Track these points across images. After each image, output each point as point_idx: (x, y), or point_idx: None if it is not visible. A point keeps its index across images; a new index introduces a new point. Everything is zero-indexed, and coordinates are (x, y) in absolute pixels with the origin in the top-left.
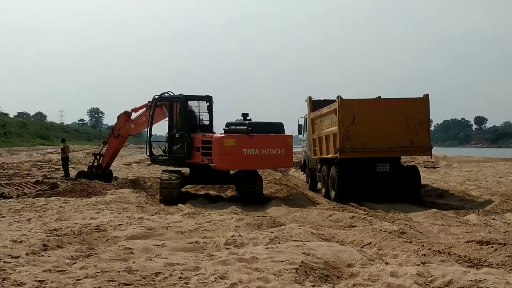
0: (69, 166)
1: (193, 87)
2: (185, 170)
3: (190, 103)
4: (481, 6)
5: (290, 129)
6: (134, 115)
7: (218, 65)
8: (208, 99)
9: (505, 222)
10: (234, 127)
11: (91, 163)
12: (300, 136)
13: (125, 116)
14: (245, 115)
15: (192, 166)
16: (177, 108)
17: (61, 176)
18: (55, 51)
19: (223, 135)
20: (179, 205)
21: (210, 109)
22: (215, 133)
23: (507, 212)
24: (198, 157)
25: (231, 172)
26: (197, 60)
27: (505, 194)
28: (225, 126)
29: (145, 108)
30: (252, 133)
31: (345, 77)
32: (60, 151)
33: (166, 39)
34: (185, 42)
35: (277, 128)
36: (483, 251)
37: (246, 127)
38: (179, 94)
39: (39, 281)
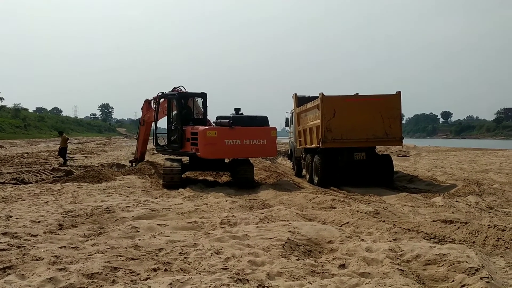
0: (73, 155)
1: (201, 86)
2: (186, 158)
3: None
4: (453, 15)
5: (279, 122)
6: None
7: (221, 66)
8: (202, 95)
9: (466, 204)
10: (220, 120)
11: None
12: (287, 128)
13: (146, 104)
14: (237, 110)
15: (185, 154)
16: (174, 104)
17: (59, 165)
18: (71, 54)
19: (206, 127)
20: (180, 189)
21: (204, 105)
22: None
23: (468, 195)
24: (188, 147)
25: (226, 160)
26: (200, 63)
27: (467, 179)
28: (215, 119)
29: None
30: (234, 126)
31: (328, 78)
32: (60, 142)
33: (174, 44)
34: (191, 47)
35: (261, 121)
36: (447, 229)
37: (228, 120)
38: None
39: (55, 256)
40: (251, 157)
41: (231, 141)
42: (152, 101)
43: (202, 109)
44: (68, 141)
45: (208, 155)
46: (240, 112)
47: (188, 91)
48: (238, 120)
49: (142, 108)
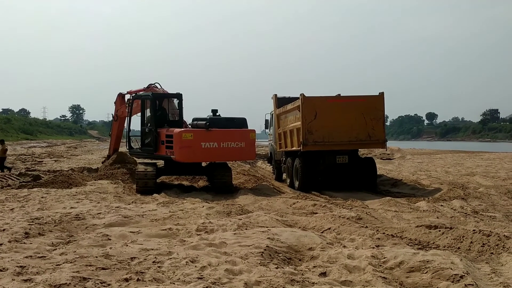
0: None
1: (177, 86)
2: (160, 162)
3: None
4: (441, 12)
5: (258, 124)
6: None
7: (196, 65)
8: (178, 96)
9: (452, 208)
10: (196, 122)
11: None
12: (267, 130)
13: (120, 98)
14: (214, 111)
15: (160, 158)
16: (147, 105)
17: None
18: (40, 53)
19: (181, 129)
20: (154, 194)
21: (180, 106)
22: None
23: (453, 199)
24: (163, 150)
25: (203, 164)
26: (176, 62)
27: (452, 183)
28: (192, 121)
29: (138, 91)
30: (211, 128)
31: (308, 77)
32: None
33: (148, 43)
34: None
35: (239, 123)
36: (432, 234)
37: (205, 122)
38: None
39: (20, 266)
40: (229, 161)
41: (208, 144)
42: (126, 101)
43: (178, 111)
44: (36, 146)
45: (184, 159)
46: (217, 114)
47: (164, 90)
48: (215, 122)
49: (115, 103)
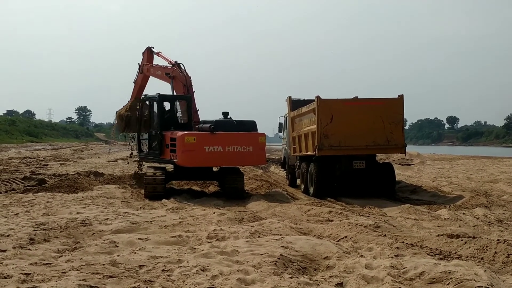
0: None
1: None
2: (170, 166)
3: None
4: (460, 11)
5: (271, 127)
6: (155, 61)
7: (209, 66)
8: (186, 98)
9: (474, 217)
10: (202, 125)
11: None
12: (281, 134)
13: (148, 53)
14: (225, 114)
15: (165, 162)
16: (154, 107)
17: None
18: (45, 53)
19: (184, 132)
20: (163, 200)
21: (189, 108)
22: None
23: (476, 207)
24: (168, 153)
25: (214, 168)
26: (187, 62)
27: (474, 190)
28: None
29: (165, 66)
30: (216, 131)
31: (324, 78)
32: None
33: (157, 43)
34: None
35: (248, 126)
36: (453, 244)
37: (209, 125)
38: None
39: (25, 273)
40: (236, 165)
41: (212, 147)
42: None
43: (187, 113)
44: (41, 149)
45: (186, 163)
46: (228, 116)
47: (187, 73)
48: (221, 125)
49: (143, 53)
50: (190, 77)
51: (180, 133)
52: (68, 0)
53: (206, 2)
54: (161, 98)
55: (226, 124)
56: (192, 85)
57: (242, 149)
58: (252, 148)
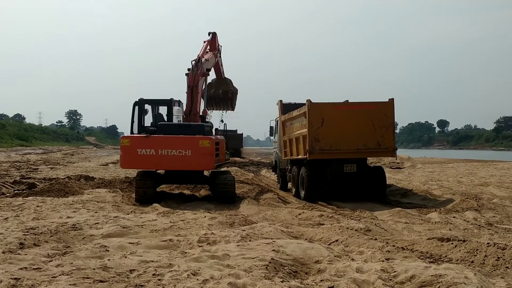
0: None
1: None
2: (161, 170)
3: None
4: (451, 14)
5: (263, 131)
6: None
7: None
8: (167, 103)
9: (464, 220)
10: (148, 128)
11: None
12: (272, 138)
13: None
14: (202, 117)
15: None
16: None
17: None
18: (36, 56)
19: (125, 135)
20: (154, 204)
21: (169, 113)
22: None
23: (466, 211)
24: None
25: (205, 172)
26: (179, 65)
27: (465, 193)
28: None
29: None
30: (157, 134)
31: (315, 82)
32: None
33: (148, 45)
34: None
35: (196, 129)
36: (444, 247)
37: (153, 128)
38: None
39: (15, 278)
40: (174, 169)
41: (145, 150)
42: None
43: (183, 116)
44: (31, 153)
45: (123, 165)
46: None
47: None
48: (166, 128)
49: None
50: (199, 78)
51: (124, 136)
52: (59, 4)
53: (194, 3)
54: (141, 102)
55: (168, 127)
56: (197, 86)
57: (178, 153)
58: (191, 152)
